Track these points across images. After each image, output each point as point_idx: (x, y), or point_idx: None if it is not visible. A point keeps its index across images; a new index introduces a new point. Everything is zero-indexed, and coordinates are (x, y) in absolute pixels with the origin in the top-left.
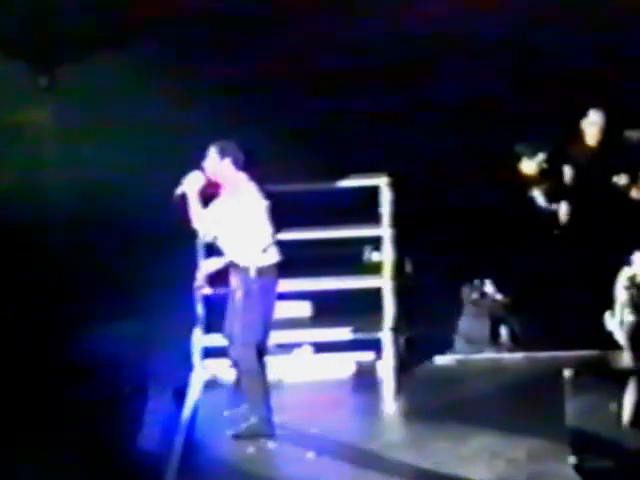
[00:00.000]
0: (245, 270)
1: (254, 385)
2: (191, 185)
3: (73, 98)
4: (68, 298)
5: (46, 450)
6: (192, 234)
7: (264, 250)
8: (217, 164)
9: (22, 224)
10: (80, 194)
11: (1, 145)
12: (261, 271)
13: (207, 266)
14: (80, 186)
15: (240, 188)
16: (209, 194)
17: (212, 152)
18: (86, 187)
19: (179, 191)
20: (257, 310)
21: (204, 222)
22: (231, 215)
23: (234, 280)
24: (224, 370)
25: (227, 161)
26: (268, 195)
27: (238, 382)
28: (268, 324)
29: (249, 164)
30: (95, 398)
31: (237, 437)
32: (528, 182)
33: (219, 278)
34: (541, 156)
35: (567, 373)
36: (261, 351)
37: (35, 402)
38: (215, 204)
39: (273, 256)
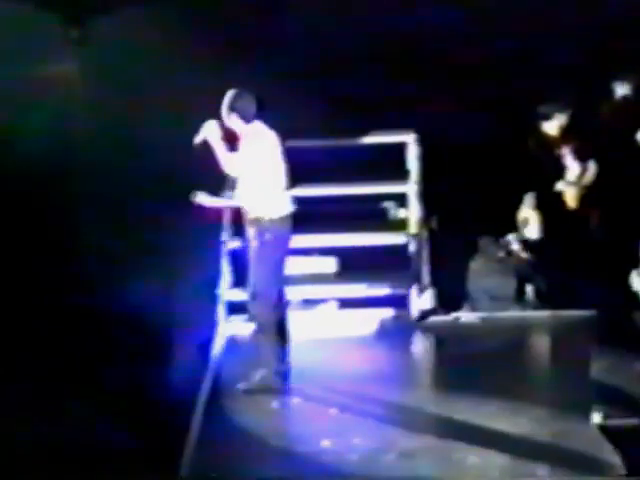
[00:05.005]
0: (258, 220)
1: (265, 339)
2: (209, 132)
3: (104, 51)
4: (95, 250)
5: (78, 399)
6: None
7: (277, 200)
8: (227, 117)
9: (51, 176)
10: (109, 148)
11: (31, 97)
12: (273, 221)
13: (202, 199)
14: (110, 140)
15: (253, 139)
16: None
17: (224, 103)
18: (116, 141)
19: (198, 139)
20: (269, 262)
21: (234, 165)
22: (247, 165)
23: (250, 232)
24: (246, 325)
25: (233, 116)
26: (296, 151)
27: (254, 336)
28: (280, 276)
29: (261, 114)
30: (124, 351)
31: (248, 391)
32: (553, 143)
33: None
34: (566, 115)
35: (592, 333)
36: (276, 304)
37: (68, 353)
38: (237, 154)
39: (286, 207)
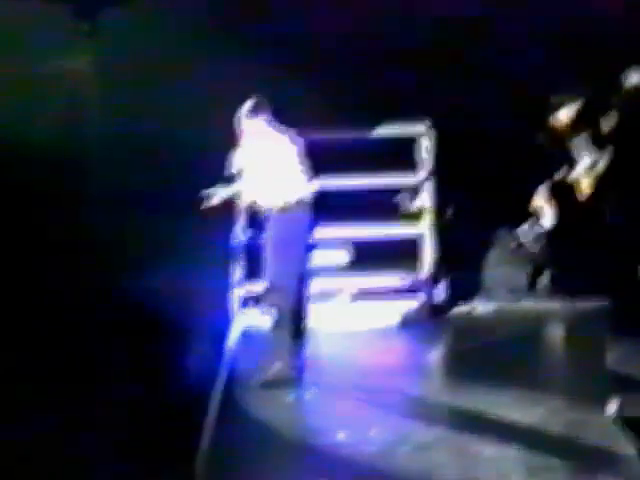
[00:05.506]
0: (269, 209)
1: (282, 331)
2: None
3: (115, 44)
4: (105, 248)
5: (94, 398)
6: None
7: (287, 189)
8: (249, 122)
9: (61, 171)
10: (121, 141)
11: (42, 91)
12: (283, 209)
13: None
14: (121, 134)
15: (263, 137)
16: None
17: (242, 110)
18: (127, 134)
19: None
20: (284, 252)
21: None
22: (254, 160)
23: (264, 222)
24: (261, 318)
25: (260, 119)
26: (311, 144)
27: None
28: (297, 268)
29: (276, 115)
30: (137, 344)
31: (263, 385)
32: (566, 132)
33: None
34: (578, 104)
35: (607, 322)
36: (293, 297)
37: (85, 352)
38: (241, 154)
39: (297, 193)
